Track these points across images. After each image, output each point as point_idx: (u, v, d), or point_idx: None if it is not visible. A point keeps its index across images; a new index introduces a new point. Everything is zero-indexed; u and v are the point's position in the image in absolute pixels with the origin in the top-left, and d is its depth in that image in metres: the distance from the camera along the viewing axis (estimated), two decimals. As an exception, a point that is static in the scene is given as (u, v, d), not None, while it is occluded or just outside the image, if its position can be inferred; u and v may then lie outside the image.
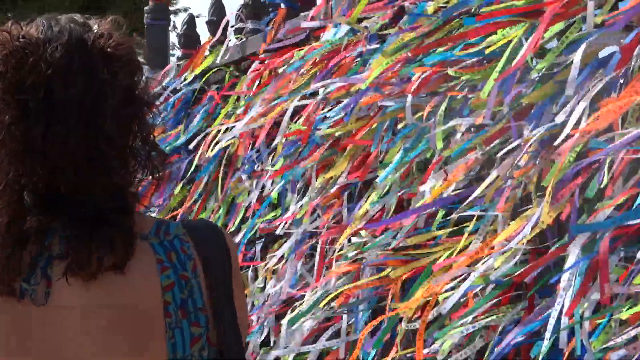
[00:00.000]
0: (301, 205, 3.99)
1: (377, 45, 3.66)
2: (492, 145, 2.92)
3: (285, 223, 3.98)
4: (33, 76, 1.34)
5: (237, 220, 4.39)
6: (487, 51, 3.14)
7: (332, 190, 3.77)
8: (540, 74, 2.99)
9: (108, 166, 1.39)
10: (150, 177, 1.45)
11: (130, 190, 1.42)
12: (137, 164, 1.41)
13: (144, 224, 1.44)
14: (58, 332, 1.38)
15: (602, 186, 2.47)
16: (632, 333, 2.27)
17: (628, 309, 2.28)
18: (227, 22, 4.96)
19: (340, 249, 3.50)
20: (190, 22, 5.59)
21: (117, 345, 1.38)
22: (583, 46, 2.78)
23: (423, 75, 3.28)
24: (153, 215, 4.53)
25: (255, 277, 4.27)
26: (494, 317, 2.97)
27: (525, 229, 2.57)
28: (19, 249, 1.34)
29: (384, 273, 3.27)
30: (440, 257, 2.94)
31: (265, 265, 4.15)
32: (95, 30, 1.40)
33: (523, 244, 2.62)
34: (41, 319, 1.37)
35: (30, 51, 1.35)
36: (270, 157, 4.24)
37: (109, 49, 1.37)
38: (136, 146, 1.41)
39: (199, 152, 4.86)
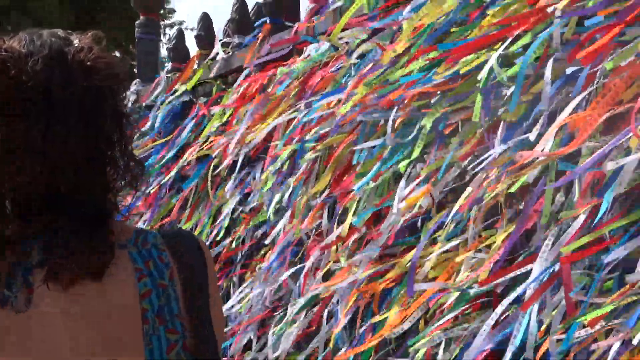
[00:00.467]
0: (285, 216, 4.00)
1: (357, 60, 3.64)
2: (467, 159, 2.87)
3: (272, 232, 3.94)
4: (15, 87, 1.35)
5: (223, 229, 4.33)
6: (462, 71, 3.07)
7: (315, 203, 3.73)
8: (511, 90, 2.87)
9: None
10: (129, 187, 1.46)
11: (109, 198, 1.44)
12: (116, 173, 1.42)
13: (123, 233, 1.45)
14: (39, 337, 1.40)
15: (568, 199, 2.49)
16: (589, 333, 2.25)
17: (589, 313, 2.28)
18: (215, 36, 5.01)
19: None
20: (180, 36, 5.57)
21: (97, 350, 1.39)
22: (551, 61, 2.73)
23: (401, 96, 3.24)
24: (140, 224, 4.44)
25: (240, 284, 4.24)
26: (465, 324, 2.91)
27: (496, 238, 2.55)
28: (4, 263, 1.36)
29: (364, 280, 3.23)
30: (420, 266, 2.86)
31: (251, 272, 4.11)
32: (76, 44, 1.42)
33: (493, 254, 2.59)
34: (23, 325, 1.37)
35: (12, 64, 1.36)
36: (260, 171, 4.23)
37: (88, 62, 1.38)
38: (115, 156, 1.43)
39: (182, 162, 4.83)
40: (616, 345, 2.39)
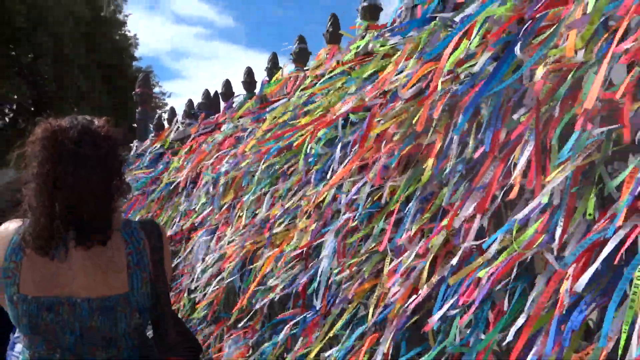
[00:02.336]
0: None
1: (246, 134, 3.75)
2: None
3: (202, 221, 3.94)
4: (62, 147, 1.44)
5: (176, 221, 4.35)
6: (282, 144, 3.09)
7: (224, 206, 3.72)
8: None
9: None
10: (123, 198, 1.56)
11: (113, 207, 1.52)
12: (118, 194, 1.52)
13: (118, 222, 1.55)
14: (71, 276, 1.48)
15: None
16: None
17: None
18: (177, 120, 5.03)
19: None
20: (159, 118, 5.49)
21: (102, 280, 1.49)
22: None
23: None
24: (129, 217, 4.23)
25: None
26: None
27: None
28: (54, 235, 1.45)
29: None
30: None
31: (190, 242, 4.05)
32: (97, 123, 1.51)
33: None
34: (63, 269, 1.48)
35: (60, 133, 1.45)
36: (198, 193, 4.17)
37: (104, 132, 1.49)
38: (118, 185, 1.51)
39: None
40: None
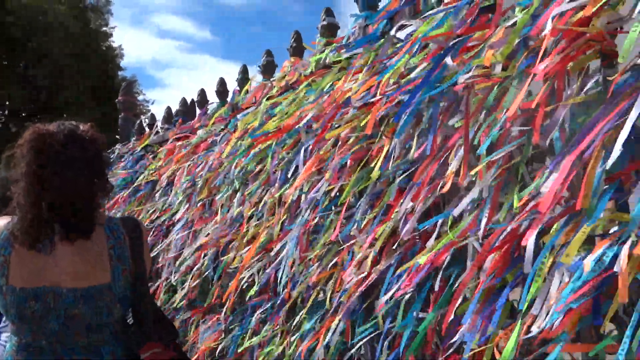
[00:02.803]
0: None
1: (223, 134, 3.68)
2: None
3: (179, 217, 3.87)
4: (49, 149, 1.43)
5: (155, 216, 4.28)
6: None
7: (199, 203, 3.68)
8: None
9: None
10: (106, 197, 1.59)
11: (97, 205, 1.52)
12: (102, 194, 1.53)
13: (102, 218, 1.55)
14: (57, 267, 1.47)
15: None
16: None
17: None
18: (157, 125, 4.98)
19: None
20: (140, 123, 5.33)
21: (86, 272, 1.49)
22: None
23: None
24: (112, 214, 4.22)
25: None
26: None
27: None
28: (41, 231, 1.45)
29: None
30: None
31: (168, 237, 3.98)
32: (82, 127, 1.50)
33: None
34: (49, 262, 1.46)
35: (48, 137, 1.45)
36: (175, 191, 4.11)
37: (89, 136, 1.49)
38: (102, 185, 1.52)
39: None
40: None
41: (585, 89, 1.45)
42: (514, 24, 1.49)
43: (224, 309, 3.25)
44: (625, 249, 1.15)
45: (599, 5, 1.21)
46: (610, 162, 1.16)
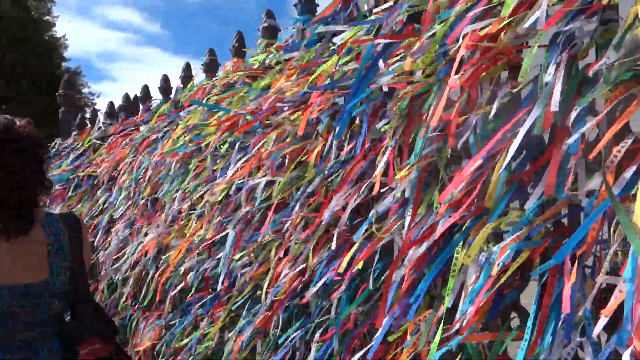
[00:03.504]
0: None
1: (163, 135, 3.70)
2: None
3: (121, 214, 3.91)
4: None
5: (95, 213, 4.30)
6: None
7: (143, 200, 3.71)
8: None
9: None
10: (46, 193, 1.55)
11: (37, 201, 1.52)
12: (42, 188, 1.53)
13: (41, 215, 1.55)
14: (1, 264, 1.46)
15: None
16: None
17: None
18: (99, 120, 4.92)
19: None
20: (82, 118, 5.27)
21: (24, 269, 1.48)
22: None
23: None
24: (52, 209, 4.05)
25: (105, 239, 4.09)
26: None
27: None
28: None
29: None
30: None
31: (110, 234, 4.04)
32: (18, 123, 1.49)
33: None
34: None
35: None
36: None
37: (26, 131, 1.48)
38: (41, 180, 1.51)
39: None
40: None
41: (497, 98, 1.56)
42: (434, 34, 1.59)
43: (164, 306, 3.27)
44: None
45: (502, 25, 1.32)
46: (504, 164, 1.26)
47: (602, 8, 1.22)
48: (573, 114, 1.27)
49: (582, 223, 1.24)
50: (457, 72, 1.55)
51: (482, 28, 1.41)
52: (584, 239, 1.29)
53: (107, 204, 4.19)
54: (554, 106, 1.12)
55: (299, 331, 2.24)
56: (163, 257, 3.23)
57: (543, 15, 1.14)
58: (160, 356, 3.12)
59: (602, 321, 1.06)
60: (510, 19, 1.29)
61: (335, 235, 2.12)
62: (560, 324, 1.16)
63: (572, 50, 1.32)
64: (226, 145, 2.88)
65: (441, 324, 1.45)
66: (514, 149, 1.20)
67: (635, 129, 1.27)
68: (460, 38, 1.45)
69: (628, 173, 1.11)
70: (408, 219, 1.71)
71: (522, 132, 1.22)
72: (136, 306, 3.58)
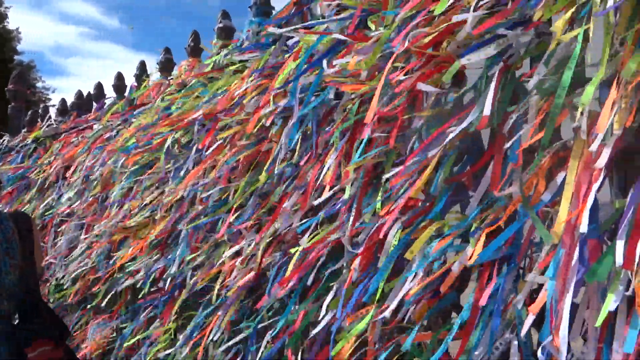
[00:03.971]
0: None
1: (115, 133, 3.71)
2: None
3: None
4: None
5: (43, 211, 4.22)
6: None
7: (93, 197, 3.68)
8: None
9: None
10: None
11: None
12: None
13: None
14: None
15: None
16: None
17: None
18: (50, 116, 4.83)
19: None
20: (34, 113, 5.14)
21: None
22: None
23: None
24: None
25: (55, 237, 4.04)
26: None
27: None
28: None
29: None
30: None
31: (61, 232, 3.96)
32: None
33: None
34: None
35: None
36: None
37: None
38: None
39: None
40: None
41: (441, 102, 1.61)
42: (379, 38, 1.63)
43: (116, 308, 3.27)
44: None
45: (436, 32, 1.37)
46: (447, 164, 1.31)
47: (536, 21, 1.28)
48: (510, 121, 1.33)
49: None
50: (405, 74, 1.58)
51: (426, 35, 1.45)
52: (519, 241, 1.35)
53: (57, 203, 4.13)
54: (487, 110, 1.18)
55: (250, 331, 2.23)
56: (114, 257, 3.19)
57: (470, 21, 1.19)
58: (112, 359, 3.10)
59: (530, 319, 1.11)
60: (450, 22, 1.34)
61: (286, 238, 2.14)
62: (491, 322, 1.20)
63: (510, 60, 1.38)
64: (185, 139, 2.87)
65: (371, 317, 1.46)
66: (447, 144, 1.25)
67: (567, 137, 1.33)
68: (405, 42, 1.49)
69: (558, 179, 1.17)
70: (351, 220, 1.74)
71: (455, 133, 1.27)
72: (86, 308, 3.54)
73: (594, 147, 1.01)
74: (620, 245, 0.91)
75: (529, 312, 1.13)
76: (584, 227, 0.95)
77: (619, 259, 0.91)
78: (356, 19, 1.96)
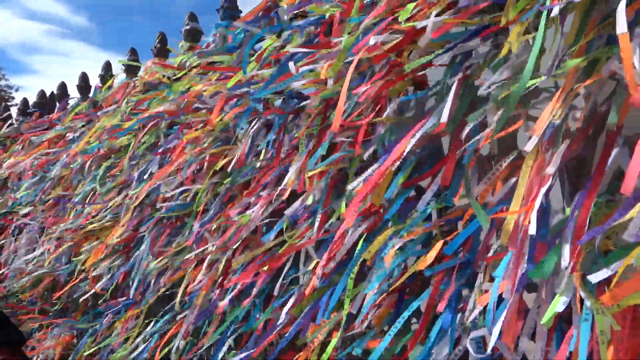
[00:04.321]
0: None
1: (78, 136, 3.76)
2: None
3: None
4: None
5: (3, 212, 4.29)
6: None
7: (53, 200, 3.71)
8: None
9: None
10: None
11: None
12: None
13: None
14: None
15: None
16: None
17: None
18: (11, 115, 4.81)
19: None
20: None
21: None
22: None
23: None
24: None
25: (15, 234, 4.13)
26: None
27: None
28: None
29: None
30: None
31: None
32: None
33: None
34: None
35: None
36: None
37: None
38: None
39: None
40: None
41: (402, 110, 1.64)
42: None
43: (76, 313, 3.24)
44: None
45: (397, 39, 1.40)
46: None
47: (495, 32, 1.32)
48: (467, 129, 1.36)
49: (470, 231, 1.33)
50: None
51: (386, 42, 1.48)
52: (476, 247, 1.39)
53: (15, 205, 4.17)
54: (444, 118, 1.21)
55: (212, 337, 2.22)
56: (74, 261, 3.16)
57: (430, 27, 1.23)
58: (71, 365, 3.02)
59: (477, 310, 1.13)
60: (410, 23, 1.37)
61: (250, 243, 2.14)
62: (443, 325, 1.23)
63: (469, 71, 1.41)
64: (144, 146, 2.88)
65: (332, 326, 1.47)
66: (409, 148, 1.28)
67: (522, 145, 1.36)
68: (365, 50, 1.51)
69: (510, 185, 1.20)
70: (316, 225, 1.75)
71: (415, 138, 1.30)
72: (44, 313, 3.51)
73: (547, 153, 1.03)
74: (566, 247, 0.95)
75: (478, 303, 1.16)
76: (532, 230, 0.98)
77: (565, 262, 0.94)
78: (325, 27, 1.99)
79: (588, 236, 0.92)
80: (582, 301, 1.01)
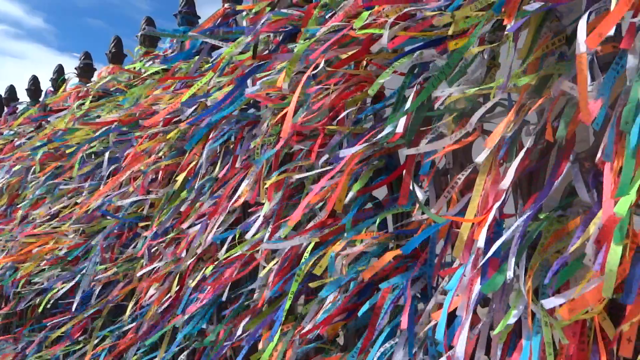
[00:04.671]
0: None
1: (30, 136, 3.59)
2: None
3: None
4: None
5: None
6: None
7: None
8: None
9: None
10: None
11: None
12: None
13: None
14: None
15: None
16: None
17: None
18: None
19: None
20: None
21: None
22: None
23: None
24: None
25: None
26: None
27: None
28: None
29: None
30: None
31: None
32: None
33: None
34: None
35: None
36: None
37: None
38: None
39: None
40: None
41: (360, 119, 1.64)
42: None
43: (20, 329, 3.18)
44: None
45: (352, 50, 1.40)
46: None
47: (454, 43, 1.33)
48: (424, 141, 1.37)
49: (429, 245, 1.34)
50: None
51: (342, 52, 1.48)
52: (432, 261, 1.39)
53: None
54: (399, 129, 1.22)
55: (165, 354, 2.16)
56: (19, 270, 3.07)
57: (385, 36, 1.24)
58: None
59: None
60: (366, 30, 1.37)
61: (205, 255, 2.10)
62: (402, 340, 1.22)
63: (427, 83, 1.42)
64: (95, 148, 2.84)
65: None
66: (358, 153, 1.28)
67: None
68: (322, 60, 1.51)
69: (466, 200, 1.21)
70: (266, 236, 1.74)
71: (370, 149, 1.30)
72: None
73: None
74: (512, 261, 0.96)
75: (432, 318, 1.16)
76: (480, 243, 0.99)
77: (510, 273, 0.95)
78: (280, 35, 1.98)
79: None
80: (533, 314, 1.02)
